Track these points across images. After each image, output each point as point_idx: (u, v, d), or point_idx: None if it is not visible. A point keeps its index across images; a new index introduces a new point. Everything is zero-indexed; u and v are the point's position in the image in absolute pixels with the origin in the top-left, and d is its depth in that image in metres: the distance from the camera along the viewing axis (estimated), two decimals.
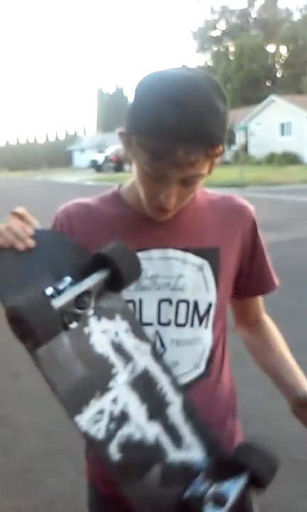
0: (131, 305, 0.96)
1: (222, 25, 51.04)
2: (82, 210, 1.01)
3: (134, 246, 0.95)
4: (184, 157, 0.80)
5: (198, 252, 0.97)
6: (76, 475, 2.44)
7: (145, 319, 0.97)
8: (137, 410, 0.84)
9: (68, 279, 0.85)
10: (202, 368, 1.00)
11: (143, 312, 0.97)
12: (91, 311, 0.85)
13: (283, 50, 47.48)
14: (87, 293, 0.83)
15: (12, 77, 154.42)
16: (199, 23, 61.50)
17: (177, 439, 0.87)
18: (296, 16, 48.22)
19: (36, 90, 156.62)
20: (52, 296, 0.81)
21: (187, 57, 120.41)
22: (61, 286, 0.83)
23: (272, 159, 27.84)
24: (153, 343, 0.93)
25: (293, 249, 6.95)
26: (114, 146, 33.72)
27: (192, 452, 0.88)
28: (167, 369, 0.90)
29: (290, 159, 27.13)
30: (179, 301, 0.97)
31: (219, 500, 0.83)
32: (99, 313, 0.86)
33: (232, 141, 31.89)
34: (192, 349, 0.98)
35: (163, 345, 0.97)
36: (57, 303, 0.78)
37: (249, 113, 31.39)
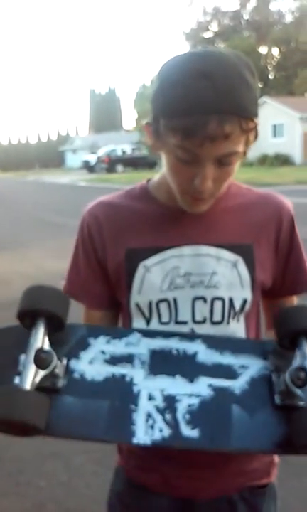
0: (165, 304, 0.95)
1: (214, 27, 51.21)
2: (109, 209, 0.99)
3: (165, 243, 0.94)
4: (217, 129, 0.77)
5: (232, 248, 0.94)
6: (67, 477, 2.43)
7: (180, 318, 0.95)
8: (175, 386, 0.82)
9: (23, 356, 0.82)
10: None
11: (178, 311, 0.95)
12: (64, 361, 0.83)
13: (276, 52, 47.71)
14: (40, 351, 0.79)
15: (3, 78, 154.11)
16: (191, 24, 61.77)
17: (229, 372, 0.83)
18: (288, 18, 48.49)
19: (28, 91, 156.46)
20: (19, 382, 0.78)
21: None
22: (21, 368, 0.81)
23: (264, 160, 27.92)
24: (133, 329, 0.91)
25: None
26: (106, 147, 33.75)
27: (252, 367, 0.84)
28: (165, 334, 0.88)
29: (282, 160, 27.23)
30: (214, 299, 0.94)
31: (301, 377, 0.78)
32: (73, 354, 0.84)
33: None
34: None
35: None
36: (26, 385, 0.76)
37: None
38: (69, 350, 0.84)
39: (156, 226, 0.95)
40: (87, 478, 2.42)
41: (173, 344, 0.86)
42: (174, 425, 0.78)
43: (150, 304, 0.95)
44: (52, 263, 6.47)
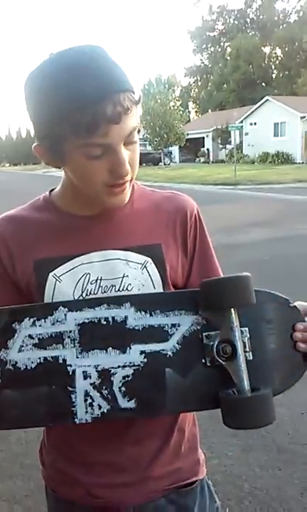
0: None
1: (219, 26, 50.99)
2: (14, 224, 0.96)
3: (73, 251, 0.93)
4: (116, 108, 0.77)
5: (140, 250, 0.93)
6: None
7: None
8: (108, 359, 0.82)
9: None
10: None
11: None
12: None
13: (279, 51, 47.56)
14: None
15: (12, 71, 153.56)
16: (197, 22, 61.41)
17: (160, 334, 0.84)
18: (293, 18, 48.30)
19: None
20: None
21: (185, 57, 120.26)
22: None
23: (266, 159, 27.96)
24: (58, 303, 0.88)
25: (284, 246, 7.03)
26: None
27: (183, 325, 0.85)
28: (92, 303, 0.86)
29: (283, 159, 27.27)
30: None
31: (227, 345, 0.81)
32: (1, 345, 0.83)
33: (226, 140, 31.99)
34: None
35: None
36: None
37: (244, 113, 31.47)
38: None
39: (63, 235, 0.94)
40: None
41: (101, 314, 0.84)
42: (111, 399, 0.80)
43: None
44: None
